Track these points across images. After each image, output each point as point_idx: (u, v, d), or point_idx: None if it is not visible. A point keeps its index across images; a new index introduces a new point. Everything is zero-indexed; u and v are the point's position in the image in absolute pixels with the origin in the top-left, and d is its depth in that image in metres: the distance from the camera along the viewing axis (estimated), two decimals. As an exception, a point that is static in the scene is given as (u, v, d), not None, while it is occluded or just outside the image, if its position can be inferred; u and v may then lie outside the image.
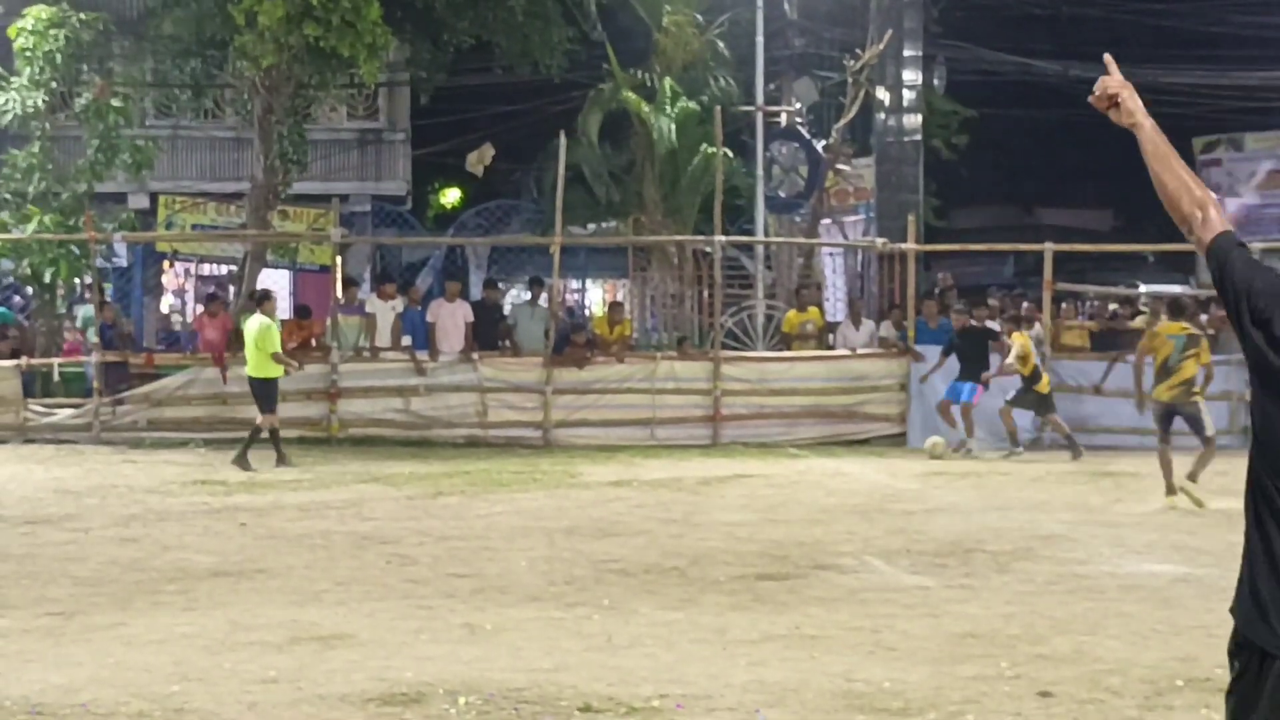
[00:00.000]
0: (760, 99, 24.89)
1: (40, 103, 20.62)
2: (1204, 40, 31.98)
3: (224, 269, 27.12)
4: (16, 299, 25.02)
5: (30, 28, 20.40)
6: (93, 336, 19.94)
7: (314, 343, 19.82)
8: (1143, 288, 27.92)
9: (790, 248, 26.59)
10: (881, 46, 24.90)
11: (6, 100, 20.53)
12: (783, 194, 26.11)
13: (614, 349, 20.18)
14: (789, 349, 20.84)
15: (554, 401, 19.28)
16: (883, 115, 26.88)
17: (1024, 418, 18.71)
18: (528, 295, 22.51)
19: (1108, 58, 3.61)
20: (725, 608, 8.74)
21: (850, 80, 25.32)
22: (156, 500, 13.72)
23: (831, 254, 29.10)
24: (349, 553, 10.80)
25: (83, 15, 20.72)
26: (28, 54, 20.45)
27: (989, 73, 30.93)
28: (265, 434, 16.50)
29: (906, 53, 26.40)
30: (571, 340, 20.08)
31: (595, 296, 32.46)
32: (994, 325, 19.00)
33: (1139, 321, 21.06)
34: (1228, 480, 13.34)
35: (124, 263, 26.20)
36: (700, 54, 25.76)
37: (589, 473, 16.12)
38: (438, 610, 8.63)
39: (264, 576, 9.76)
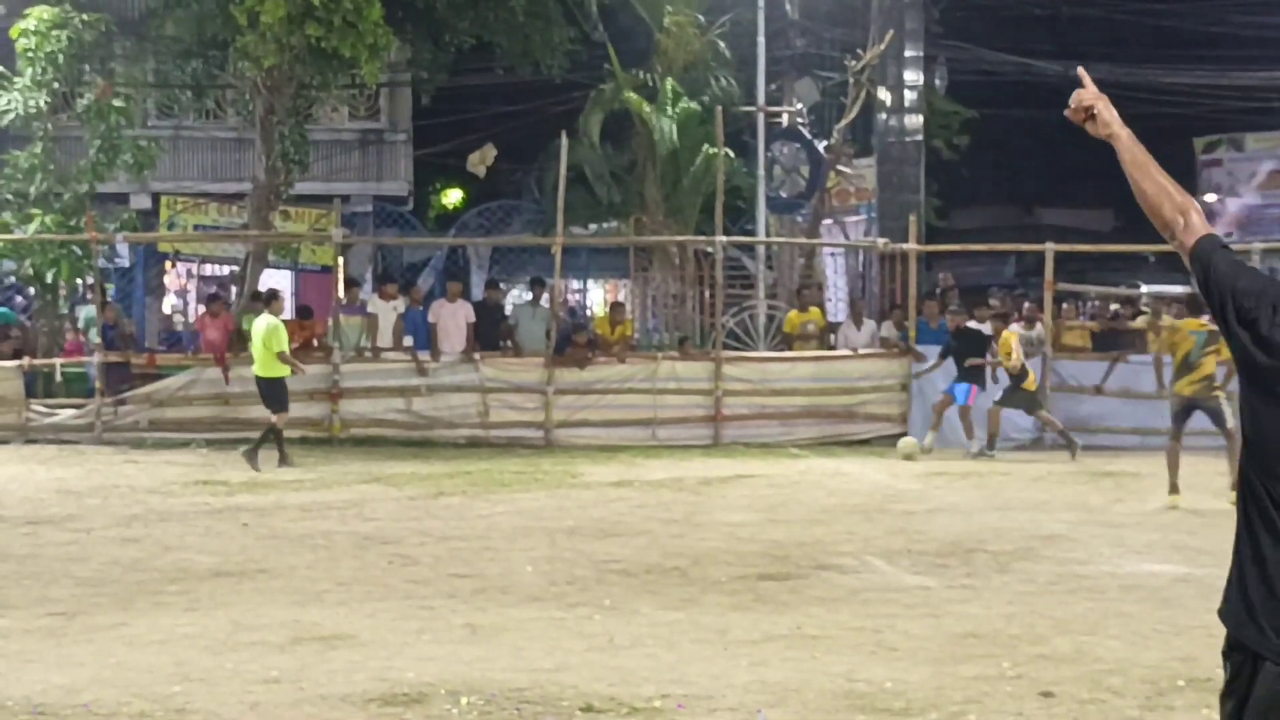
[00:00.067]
0: (761, 99, 24.91)
1: (42, 103, 20.64)
2: (1204, 40, 31.96)
3: (226, 269, 27.13)
4: (18, 299, 25.04)
5: (32, 28, 20.42)
6: (94, 337, 19.98)
7: (316, 343, 19.84)
8: (1144, 288, 27.94)
9: (791, 248, 26.60)
10: (883, 47, 24.89)
11: (9, 101, 20.54)
12: (784, 194, 26.12)
13: (615, 349, 20.19)
14: (790, 349, 20.84)
15: (555, 402, 19.29)
16: (884, 115, 26.87)
17: (1026, 420, 18.72)
18: (529, 295, 22.49)
19: (1080, 70, 3.63)
20: (726, 608, 8.75)
21: (851, 80, 25.30)
22: (158, 500, 13.73)
23: (833, 254, 29.12)
24: (351, 553, 10.80)
25: (85, 16, 20.74)
26: (30, 55, 20.47)
27: (990, 73, 30.91)
28: (283, 433, 16.54)
29: (907, 53, 26.39)
30: (573, 340, 20.07)
31: (597, 297, 32.47)
32: (983, 328, 18.88)
33: (1140, 322, 21.06)
34: (1229, 480, 13.38)
35: (126, 263, 26.23)
36: (701, 54, 25.77)
37: (590, 473, 16.12)
38: (439, 610, 8.64)
39: (266, 577, 9.77)
